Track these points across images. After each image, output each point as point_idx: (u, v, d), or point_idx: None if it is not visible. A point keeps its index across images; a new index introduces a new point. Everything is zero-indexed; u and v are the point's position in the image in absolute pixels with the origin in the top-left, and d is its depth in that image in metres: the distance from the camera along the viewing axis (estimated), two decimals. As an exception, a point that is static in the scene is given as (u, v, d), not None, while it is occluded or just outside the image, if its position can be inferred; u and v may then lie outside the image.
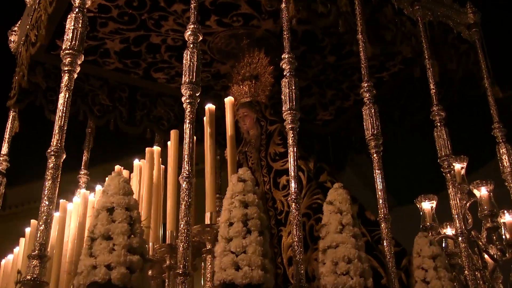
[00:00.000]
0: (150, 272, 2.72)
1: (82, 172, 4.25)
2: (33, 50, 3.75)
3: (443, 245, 3.79)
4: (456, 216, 3.31)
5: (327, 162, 5.31)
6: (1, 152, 3.77)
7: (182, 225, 2.30)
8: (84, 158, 4.38)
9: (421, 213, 3.72)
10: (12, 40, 4.21)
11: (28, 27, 3.83)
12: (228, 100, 3.12)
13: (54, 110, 4.31)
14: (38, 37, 3.62)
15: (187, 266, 2.23)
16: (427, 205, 3.70)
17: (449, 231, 3.77)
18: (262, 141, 3.91)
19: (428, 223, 3.65)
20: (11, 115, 3.93)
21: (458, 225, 3.29)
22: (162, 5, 3.87)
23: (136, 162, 3.08)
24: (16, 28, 4.22)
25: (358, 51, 3.45)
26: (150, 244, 2.76)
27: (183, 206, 2.34)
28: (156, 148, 3.08)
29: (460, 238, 3.26)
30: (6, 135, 3.82)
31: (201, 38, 2.80)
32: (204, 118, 3.14)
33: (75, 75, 2.40)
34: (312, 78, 4.88)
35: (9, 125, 3.89)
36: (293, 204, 2.67)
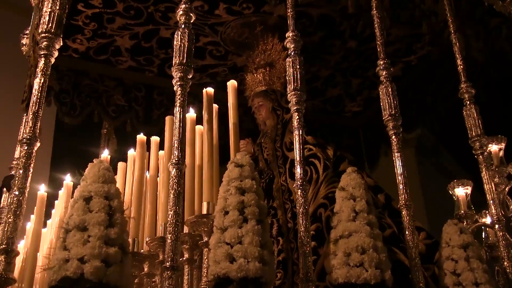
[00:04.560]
0: (146, 270, 2.54)
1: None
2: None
3: (483, 236, 3.44)
4: (491, 201, 2.98)
5: (358, 155, 5.03)
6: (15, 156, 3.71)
7: (170, 216, 2.10)
8: (98, 158, 4.28)
9: (454, 199, 3.37)
10: (24, 43, 4.15)
11: (34, 27, 3.76)
12: (230, 83, 2.91)
13: (68, 112, 4.32)
14: (44, 37, 3.53)
15: (175, 260, 2.02)
16: (461, 192, 3.35)
17: (489, 220, 3.41)
18: (278, 130, 3.68)
19: (462, 211, 3.30)
20: (24, 118, 3.86)
21: (494, 211, 2.96)
22: (167, -5, 3.75)
23: (131, 152, 2.91)
24: (27, 31, 4.17)
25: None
26: (147, 239, 2.57)
27: (171, 195, 2.14)
28: (154, 138, 2.91)
29: (497, 226, 2.93)
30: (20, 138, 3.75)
31: (194, 18, 2.63)
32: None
33: (53, 60, 2.27)
34: (335, 66, 4.63)
35: (22, 128, 3.83)
36: (299, 191, 2.43)
